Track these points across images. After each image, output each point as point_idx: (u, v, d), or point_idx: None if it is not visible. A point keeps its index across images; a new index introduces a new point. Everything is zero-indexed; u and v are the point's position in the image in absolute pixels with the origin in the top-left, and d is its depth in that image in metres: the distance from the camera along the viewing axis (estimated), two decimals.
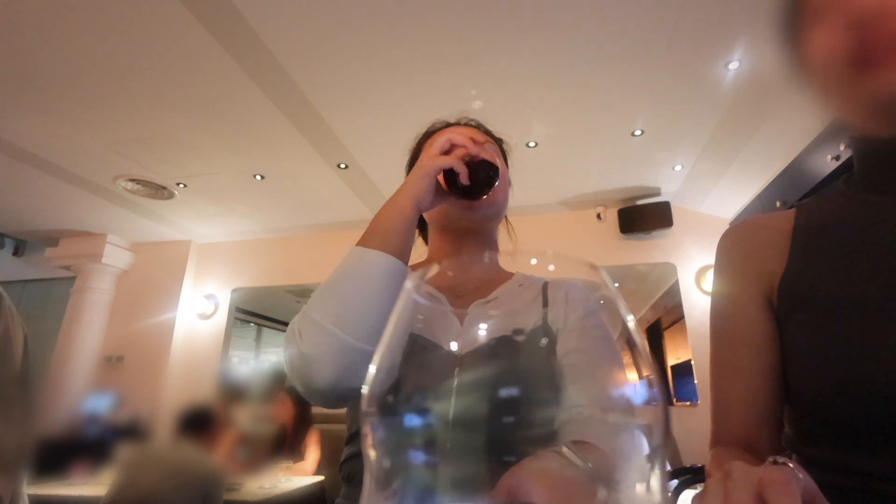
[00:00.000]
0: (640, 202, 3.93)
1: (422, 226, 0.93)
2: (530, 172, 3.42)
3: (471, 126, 0.92)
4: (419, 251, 0.95)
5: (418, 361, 0.23)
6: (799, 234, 0.59)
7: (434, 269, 0.24)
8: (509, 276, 0.82)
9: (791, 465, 0.31)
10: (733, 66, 2.42)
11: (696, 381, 3.81)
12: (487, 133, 0.93)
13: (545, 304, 0.72)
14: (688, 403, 3.96)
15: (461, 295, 0.74)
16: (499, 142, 0.92)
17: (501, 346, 0.23)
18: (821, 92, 0.53)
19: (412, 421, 0.20)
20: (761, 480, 0.29)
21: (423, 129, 0.95)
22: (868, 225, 0.53)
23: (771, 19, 0.59)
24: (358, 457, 0.69)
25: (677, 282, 3.88)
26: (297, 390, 0.63)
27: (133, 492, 1.74)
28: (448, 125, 0.92)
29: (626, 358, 0.21)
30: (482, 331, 0.25)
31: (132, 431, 3.37)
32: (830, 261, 0.54)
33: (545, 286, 0.76)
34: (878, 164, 0.54)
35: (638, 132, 3.04)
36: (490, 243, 0.86)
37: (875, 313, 0.48)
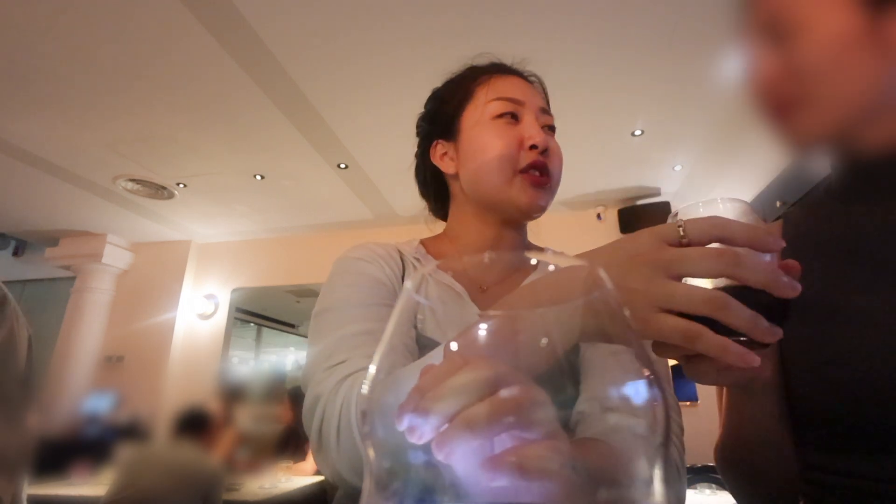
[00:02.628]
0: (640, 202, 3.93)
1: (436, 191, 0.80)
2: None
3: (531, 83, 0.76)
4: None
5: None
6: (788, 244, 0.60)
7: (446, 261, 0.24)
8: (534, 265, 0.74)
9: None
10: (734, 66, 2.42)
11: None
12: (546, 95, 0.79)
13: None
14: (688, 403, 3.96)
15: (484, 288, 0.67)
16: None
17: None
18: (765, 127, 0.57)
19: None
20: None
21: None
22: (849, 234, 0.54)
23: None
24: None
25: None
26: (298, 391, 0.61)
27: (133, 492, 1.74)
28: (502, 67, 0.76)
29: (633, 354, 0.21)
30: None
31: (132, 431, 3.36)
32: (820, 268, 0.55)
33: None
34: (850, 177, 0.57)
35: (638, 132, 3.04)
36: (525, 235, 0.77)
37: (868, 318, 0.48)
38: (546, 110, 0.74)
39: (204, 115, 2.86)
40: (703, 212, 0.40)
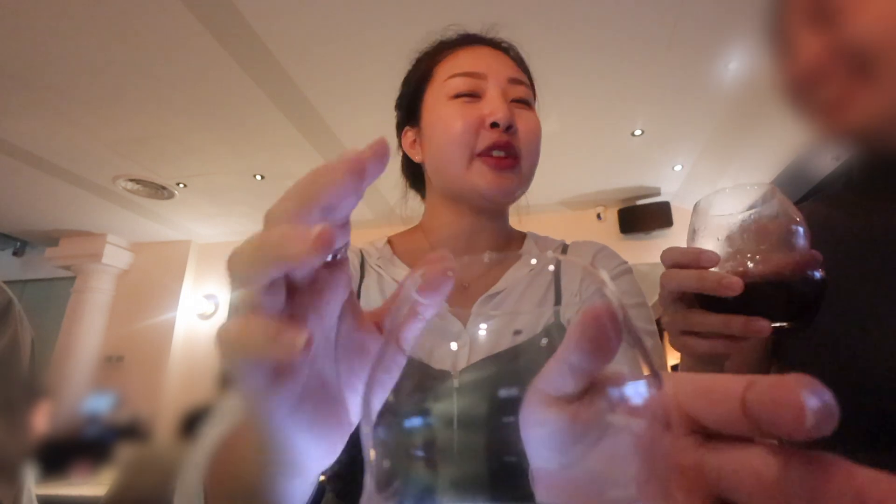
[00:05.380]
0: (640, 202, 3.93)
1: (413, 182, 0.77)
2: None
3: (501, 50, 0.70)
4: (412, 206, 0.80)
5: (416, 380, 0.22)
6: None
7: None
8: (519, 245, 0.70)
9: None
10: (733, 66, 2.42)
11: None
12: (525, 69, 0.71)
13: (557, 291, 0.61)
14: None
15: (466, 284, 0.62)
16: (531, 80, 0.71)
17: (508, 357, 0.22)
18: (797, 117, 0.55)
19: (413, 423, 0.20)
20: None
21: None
22: (864, 228, 0.54)
23: (750, 41, 0.63)
24: (341, 477, 0.58)
25: None
26: None
27: (132, 493, 1.74)
28: (467, 38, 0.71)
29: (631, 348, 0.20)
30: (487, 339, 0.23)
31: (132, 431, 3.36)
32: (829, 262, 0.55)
33: (558, 270, 0.62)
34: (873, 171, 0.56)
35: (638, 132, 3.04)
36: (504, 222, 0.71)
37: (872, 313, 0.48)
38: (518, 80, 0.65)
39: (204, 116, 2.86)
40: (728, 195, 0.42)
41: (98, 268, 4.47)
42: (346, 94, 2.68)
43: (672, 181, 3.69)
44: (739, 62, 2.39)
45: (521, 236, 0.73)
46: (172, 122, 2.92)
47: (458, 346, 0.24)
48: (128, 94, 2.65)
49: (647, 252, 3.93)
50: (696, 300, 0.43)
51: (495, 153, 0.60)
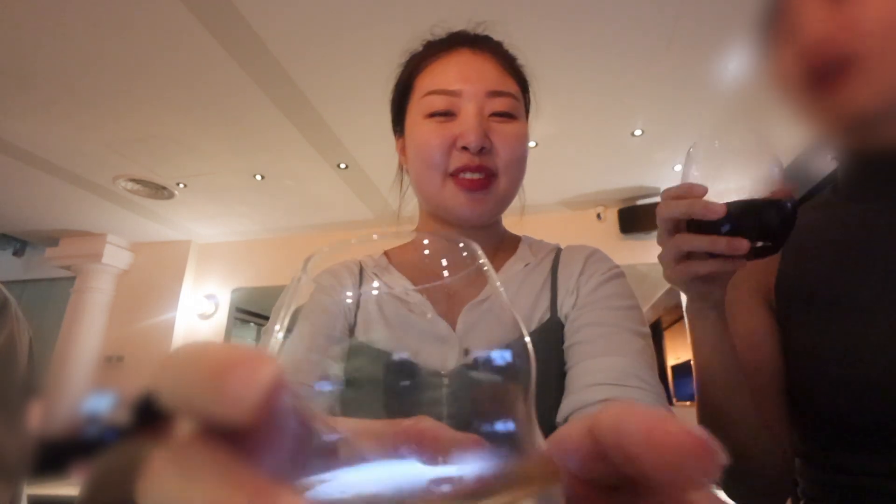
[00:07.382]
0: (640, 202, 3.93)
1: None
2: (530, 172, 3.40)
3: (488, 53, 0.66)
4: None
5: (404, 378, 0.21)
6: (792, 238, 0.60)
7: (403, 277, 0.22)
8: (513, 249, 0.69)
9: None
10: (733, 66, 2.42)
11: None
12: (514, 70, 0.67)
13: (554, 289, 0.61)
14: (688, 403, 3.96)
15: (452, 292, 0.63)
16: (522, 83, 0.68)
17: (496, 364, 0.21)
18: (791, 108, 0.55)
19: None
20: None
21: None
22: (854, 231, 0.55)
23: (749, 35, 0.62)
24: None
25: None
26: None
27: (104, 493, 1.69)
28: (451, 41, 0.69)
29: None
30: (475, 345, 0.23)
31: (132, 431, 3.36)
32: (823, 264, 0.55)
33: (556, 264, 0.62)
34: (858, 175, 0.56)
35: (638, 132, 3.04)
36: (496, 228, 0.70)
37: (868, 313, 0.48)
38: (498, 91, 0.62)
39: (204, 115, 2.86)
40: (718, 146, 0.53)
41: (98, 268, 4.47)
42: (346, 94, 2.68)
43: (672, 181, 3.66)
44: (739, 62, 2.39)
45: (516, 240, 0.72)
46: (172, 121, 2.92)
47: (447, 348, 0.24)
48: (128, 93, 2.65)
49: (647, 252, 3.93)
50: (688, 230, 0.49)
51: (468, 175, 0.59)
